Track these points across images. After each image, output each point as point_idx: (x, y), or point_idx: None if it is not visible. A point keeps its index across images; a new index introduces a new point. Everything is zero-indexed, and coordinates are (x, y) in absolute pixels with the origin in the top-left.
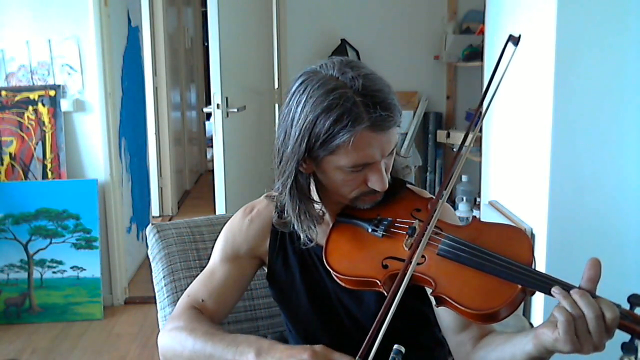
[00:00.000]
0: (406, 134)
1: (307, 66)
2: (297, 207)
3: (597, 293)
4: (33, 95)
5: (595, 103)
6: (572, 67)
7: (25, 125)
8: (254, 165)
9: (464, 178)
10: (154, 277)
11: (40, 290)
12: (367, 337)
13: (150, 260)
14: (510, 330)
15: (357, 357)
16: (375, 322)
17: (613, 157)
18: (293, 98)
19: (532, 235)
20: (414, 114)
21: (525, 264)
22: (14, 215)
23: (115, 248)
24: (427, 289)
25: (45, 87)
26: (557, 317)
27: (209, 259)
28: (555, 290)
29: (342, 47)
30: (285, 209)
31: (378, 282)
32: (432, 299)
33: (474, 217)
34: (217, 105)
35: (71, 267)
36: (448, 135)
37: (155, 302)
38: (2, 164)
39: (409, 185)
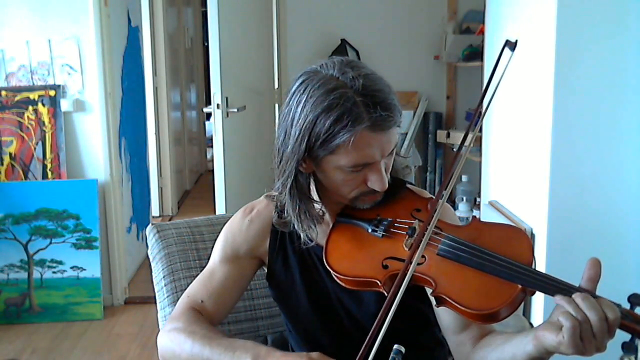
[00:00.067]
0: (406, 134)
1: (307, 66)
2: (297, 207)
3: (597, 293)
4: (33, 95)
5: (595, 103)
6: (572, 67)
7: (25, 125)
8: (254, 165)
9: (464, 178)
10: (154, 277)
11: (40, 290)
12: (367, 337)
13: (150, 260)
14: (510, 330)
15: (357, 358)
16: (375, 323)
17: (613, 157)
18: (293, 98)
19: (532, 235)
20: (414, 114)
21: (526, 264)
22: (14, 215)
23: (115, 248)
24: (427, 289)
25: (45, 87)
26: (563, 322)
27: (208, 259)
28: (557, 298)
29: (342, 47)
30: (285, 208)
31: (378, 282)
32: (432, 299)
33: (474, 217)
34: (217, 105)
35: (71, 267)
36: (448, 135)
37: (155, 302)
38: (2, 164)
39: (408, 185)
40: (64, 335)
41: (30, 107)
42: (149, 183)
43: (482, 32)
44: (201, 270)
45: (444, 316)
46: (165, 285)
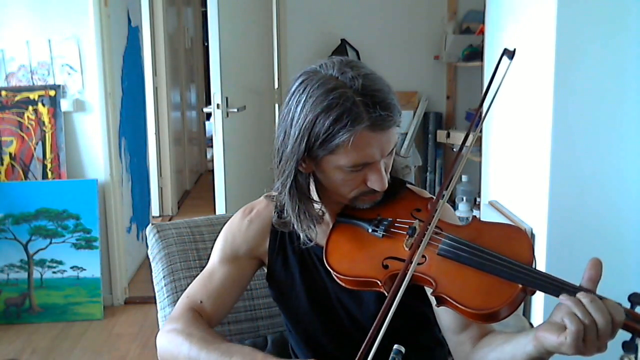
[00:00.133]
0: (406, 134)
1: (307, 66)
2: (297, 207)
3: (597, 292)
4: (33, 95)
5: (595, 103)
6: (572, 67)
7: (25, 125)
8: (254, 165)
9: (464, 178)
10: (154, 277)
11: (40, 290)
12: (367, 337)
13: (150, 260)
14: (510, 330)
15: (357, 358)
16: (375, 323)
17: (613, 157)
18: (293, 98)
19: (532, 235)
20: (414, 114)
21: (526, 264)
22: (14, 215)
23: (115, 248)
24: (427, 289)
25: (45, 87)
26: (567, 324)
27: (208, 259)
28: (563, 298)
29: (342, 47)
30: (285, 208)
31: (378, 282)
32: (433, 298)
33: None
34: (217, 105)
35: (71, 267)
36: (448, 135)
37: (155, 302)
38: (2, 164)
39: (408, 185)
40: (64, 335)
41: (30, 107)
42: (149, 183)
43: (482, 32)
44: (201, 271)
45: (444, 316)
46: (165, 285)
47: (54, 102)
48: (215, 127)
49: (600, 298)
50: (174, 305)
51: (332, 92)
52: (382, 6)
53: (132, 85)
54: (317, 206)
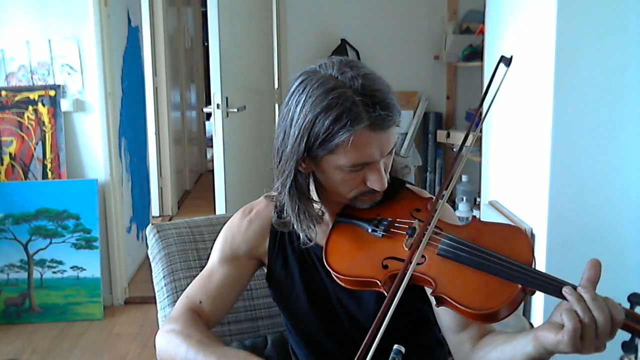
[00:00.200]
0: (406, 134)
1: (306, 66)
2: (297, 207)
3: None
4: (33, 95)
5: (595, 103)
6: (572, 67)
7: (25, 125)
8: (254, 165)
9: (464, 178)
10: (154, 277)
11: (40, 290)
12: (366, 337)
13: (150, 260)
14: (510, 330)
15: (356, 358)
16: (374, 323)
17: (613, 157)
18: (292, 97)
19: (532, 235)
20: (414, 114)
21: (525, 264)
22: (14, 215)
23: (115, 248)
24: (427, 289)
25: (45, 87)
26: (565, 322)
27: (208, 259)
28: (567, 290)
29: (342, 47)
30: (285, 208)
31: (378, 282)
32: (432, 299)
33: (474, 216)
34: (217, 105)
35: (71, 267)
36: (448, 135)
37: (155, 302)
38: (2, 164)
39: (408, 185)
40: (64, 335)
41: (30, 107)
42: (149, 183)
43: (482, 32)
44: (201, 271)
45: (444, 316)
46: (165, 285)
47: (54, 102)
48: (215, 127)
49: (602, 298)
50: (174, 305)
51: (332, 92)
52: (382, 6)
53: (132, 85)
54: (316, 206)
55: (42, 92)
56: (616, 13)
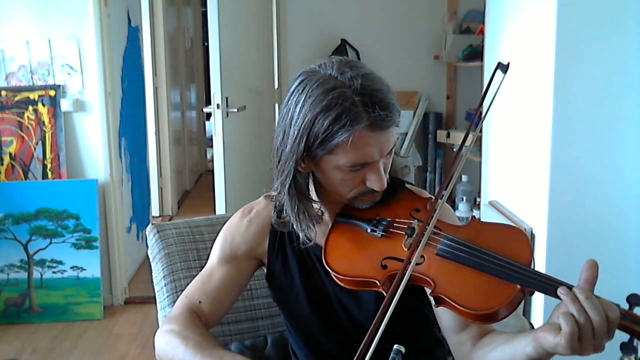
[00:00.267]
0: (406, 134)
1: (306, 66)
2: (296, 207)
3: (597, 293)
4: (33, 95)
5: (595, 103)
6: (572, 67)
7: (25, 125)
8: (254, 165)
9: (464, 178)
10: (154, 277)
11: (40, 290)
12: (365, 338)
13: (150, 260)
14: (510, 330)
15: (355, 358)
16: (373, 323)
17: (613, 157)
18: (292, 97)
19: (532, 235)
20: (414, 114)
21: (525, 264)
22: (14, 215)
23: (115, 248)
24: (426, 289)
25: (45, 87)
26: (562, 325)
27: (208, 259)
28: (561, 291)
29: (342, 47)
30: (284, 208)
31: (377, 282)
32: (432, 299)
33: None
34: (217, 105)
35: (71, 267)
36: (448, 135)
37: (155, 302)
38: (2, 164)
39: (408, 185)
40: (64, 335)
41: (30, 107)
42: (149, 183)
43: (482, 32)
44: (201, 271)
45: (444, 316)
46: (165, 285)
47: (54, 102)
48: (215, 127)
49: (596, 297)
50: (174, 305)
51: (331, 92)
52: (382, 6)
53: (132, 85)
54: (316, 206)
55: (42, 92)
56: (616, 13)
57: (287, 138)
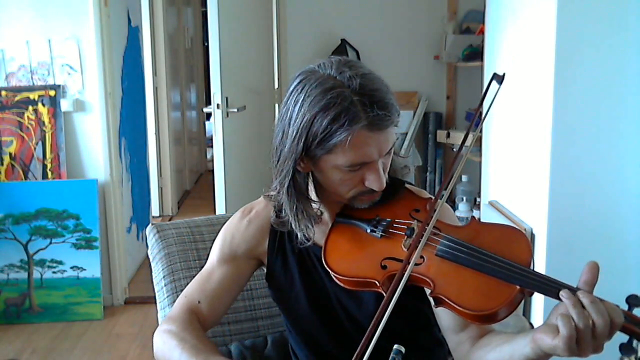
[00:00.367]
0: (406, 134)
1: (306, 66)
2: (295, 206)
3: (596, 294)
4: (33, 95)
5: (595, 103)
6: (572, 67)
7: (25, 125)
8: (254, 165)
9: (464, 178)
10: (154, 277)
11: (40, 290)
12: (364, 338)
13: (150, 260)
14: (510, 330)
15: (353, 358)
16: (371, 324)
17: (613, 157)
18: (291, 97)
19: (532, 235)
20: (414, 114)
21: (524, 265)
22: (14, 215)
23: (115, 248)
24: (425, 289)
25: (45, 87)
26: (560, 329)
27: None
28: (564, 294)
29: (342, 47)
30: (283, 208)
31: (377, 282)
32: (431, 299)
33: (473, 217)
34: (217, 105)
35: (71, 267)
36: (448, 135)
37: (155, 302)
38: (2, 164)
39: (407, 186)
40: (64, 335)
41: (30, 107)
42: (149, 183)
43: (482, 32)
44: (200, 271)
45: (443, 316)
46: (165, 285)
47: (54, 102)
48: (215, 127)
49: (600, 301)
50: (174, 304)
51: (330, 92)
52: (382, 6)
53: (132, 85)
54: (315, 206)
55: (42, 92)
56: (616, 13)
57: (286, 138)
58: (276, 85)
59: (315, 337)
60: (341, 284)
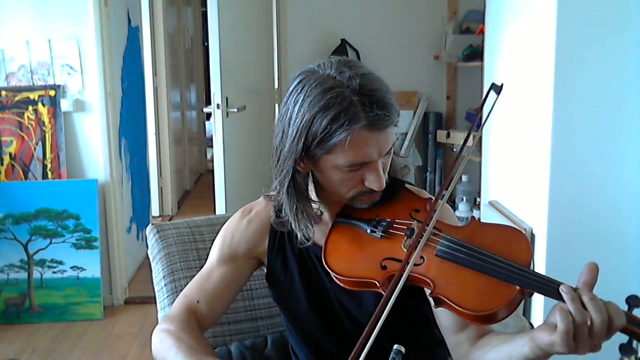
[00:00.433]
0: (406, 134)
1: (306, 65)
2: (295, 206)
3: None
4: (33, 95)
5: (595, 103)
6: (572, 67)
7: (25, 125)
8: (254, 165)
9: (464, 178)
10: (154, 277)
11: (40, 290)
12: (361, 338)
13: (150, 260)
14: (510, 330)
15: (349, 358)
16: (369, 324)
17: (613, 157)
18: (291, 97)
19: (532, 235)
20: (414, 114)
21: (524, 265)
22: (14, 215)
23: (115, 248)
24: (425, 289)
25: (45, 87)
26: (558, 323)
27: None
28: (564, 289)
29: (342, 47)
30: (283, 208)
31: (377, 283)
32: (431, 299)
33: (473, 217)
34: (217, 105)
35: (71, 267)
36: (448, 135)
37: (155, 302)
38: (2, 164)
39: (407, 186)
40: (64, 335)
41: (30, 107)
42: (149, 183)
43: (482, 32)
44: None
45: (442, 316)
46: (165, 285)
47: (54, 102)
48: (215, 127)
49: (604, 302)
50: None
51: (330, 92)
52: (382, 6)
53: (132, 85)
54: (315, 206)
55: (42, 92)
56: (616, 13)
57: (285, 138)
58: (276, 85)
59: (315, 337)
60: (341, 284)
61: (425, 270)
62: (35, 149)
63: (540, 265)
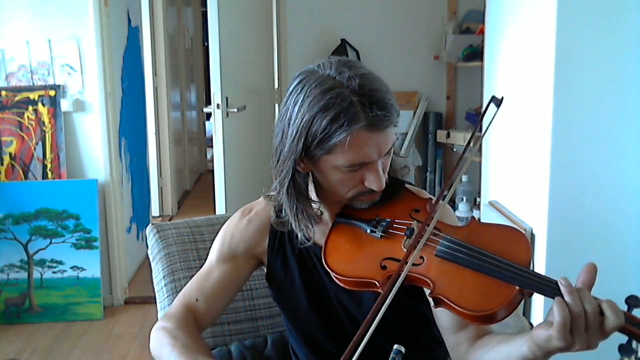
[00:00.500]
0: (406, 134)
1: (306, 66)
2: (295, 207)
3: (596, 294)
4: (33, 95)
5: (595, 103)
6: (572, 67)
7: (25, 125)
8: (254, 165)
9: (464, 178)
10: (154, 277)
11: (40, 290)
12: (355, 336)
13: (150, 260)
14: (510, 330)
15: (343, 357)
16: (364, 323)
17: (613, 158)
18: (290, 97)
19: (532, 235)
20: (414, 114)
21: (524, 265)
22: (14, 215)
23: (115, 248)
24: (425, 290)
25: (45, 87)
26: (555, 315)
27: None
28: (562, 282)
29: (342, 47)
30: (283, 208)
31: (376, 283)
32: (430, 300)
33: (473, 217)
34: (217, 105)
35: (71, 267)
36: (448, 135)
37: (155, 302)
38: (2, 164)
39: (407, 186)
40: (64, 335)
41: (30, 107)
42: (149, 183)
43: (482, 32)
44: None
45: (441, 316)
46: (165, 285)
47: (54, 102)
48: (215, 127)
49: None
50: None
51: (329, 92)
52: (382, 6)
53: (132, 85)
54: (315, 206)
55: (42, 92)
56: (616, 13)
57: (285, 138)
58: (276, 85)
59: (315, 336)
60: (341, 284)
61: (425, 270)
62: (35, 149)
63: (540, 265)
